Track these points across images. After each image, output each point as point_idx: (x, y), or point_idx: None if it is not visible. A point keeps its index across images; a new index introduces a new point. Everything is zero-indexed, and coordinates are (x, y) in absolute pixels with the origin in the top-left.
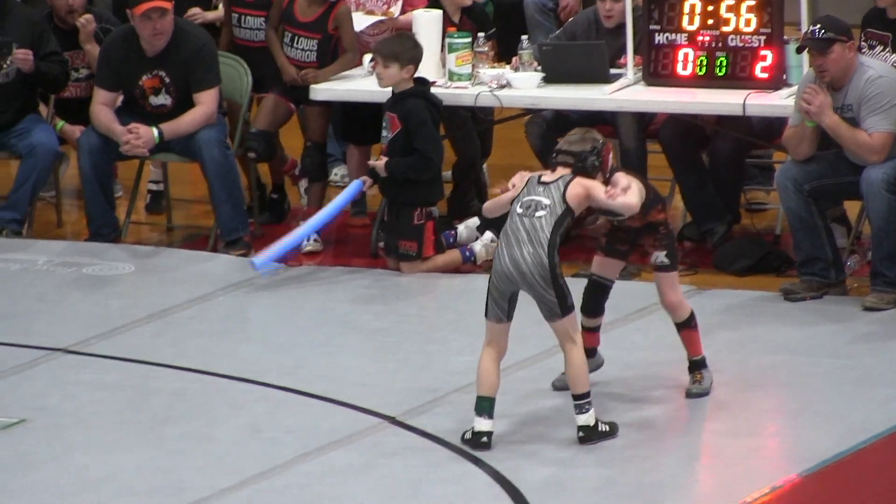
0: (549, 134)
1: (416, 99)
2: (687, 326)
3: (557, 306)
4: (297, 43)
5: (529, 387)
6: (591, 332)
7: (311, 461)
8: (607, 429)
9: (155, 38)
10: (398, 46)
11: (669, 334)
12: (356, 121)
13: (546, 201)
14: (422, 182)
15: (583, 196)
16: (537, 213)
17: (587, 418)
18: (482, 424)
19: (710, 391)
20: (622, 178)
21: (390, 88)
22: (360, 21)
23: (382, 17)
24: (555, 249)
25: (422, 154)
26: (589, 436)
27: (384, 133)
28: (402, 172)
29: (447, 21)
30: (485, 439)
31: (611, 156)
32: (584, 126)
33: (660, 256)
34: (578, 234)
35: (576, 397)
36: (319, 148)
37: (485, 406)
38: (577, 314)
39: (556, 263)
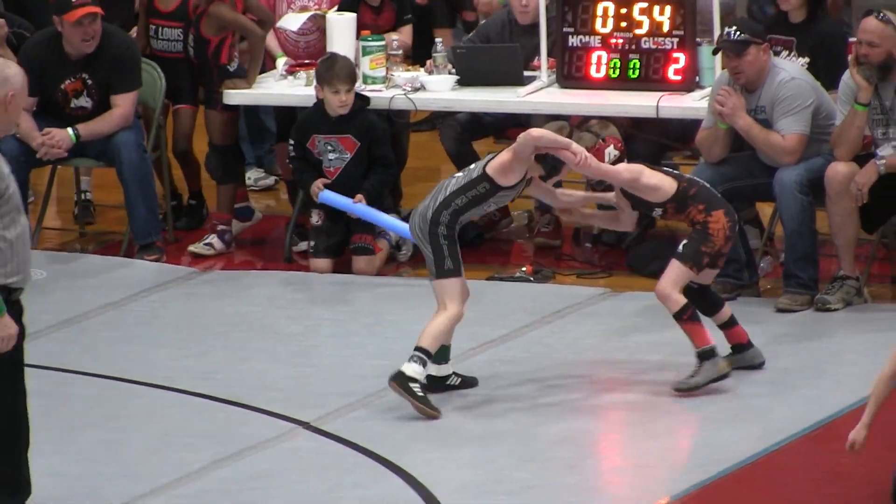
0: (463, 137)
1: (365, 112)
2: (679, 320)
3: (433, 264)
4: (162, 34)
5: (445, 392)
6: (727, 329)
7: (226, 467)
8: (419, 394)
9: (85, 44)
10: (350, 68)
11: (586, 336)
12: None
13: (472, 167)
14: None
15: (507, 161)
16: (455, 175)
17: (412, 369)
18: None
19: (703, 385)
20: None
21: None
22: (295, 20)
23: (316, 12)
24: (447, 210)
25: (387, 163)
26: (399, 382)
27: (331, 157)
28: (379, 191)
29: (363, 7)
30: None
31: (610, 148)
32: (497, 129)
33: (681, 244)
34: (493, 236)
35: (417, 348)
36: (223, 150)
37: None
38: (458, 284)
39: (441, 222)
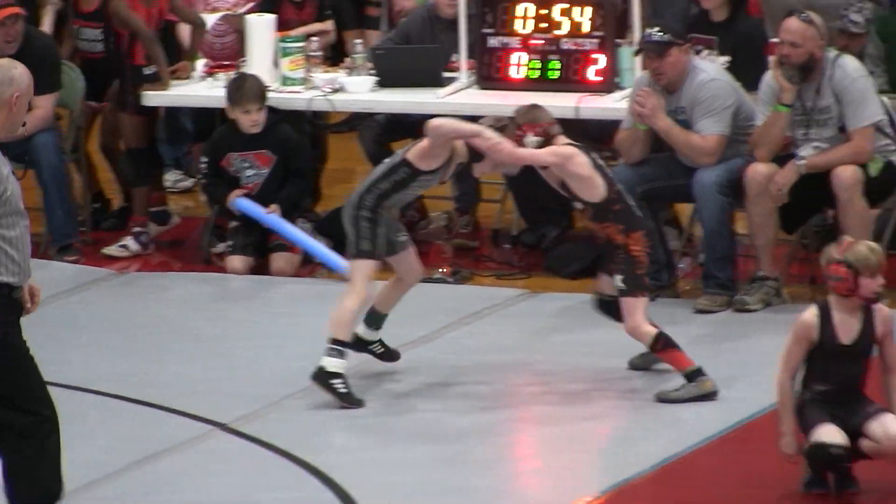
0: (381, 139)
1: (279, 126)
2: (655, 351)
3: (352, 245)
4: (83, 34)
5: (362, 392)
6: None
7: (144, 468)
8: (342, 389)
9: (7, 46)
10: (260, 87)
11: (505, 337)
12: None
13: (397, 152)
14: None
15: (425, 147)
16: (384, 162)
17: (331, 363)
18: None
19: (683, 401)
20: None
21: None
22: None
23: (227, 13)
24: (370, 195)
25: (303, 174)
26: (321, 380)
27: (249, 173)
28: (294, 201)
29: (285, 3)
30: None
31: (528, 136)
32: (416, 130)
33: (616, 280)
34: (412, 238)
35: (330, 340)
36: (136, 153)
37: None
38: (370, 267)
39: (364, 206)
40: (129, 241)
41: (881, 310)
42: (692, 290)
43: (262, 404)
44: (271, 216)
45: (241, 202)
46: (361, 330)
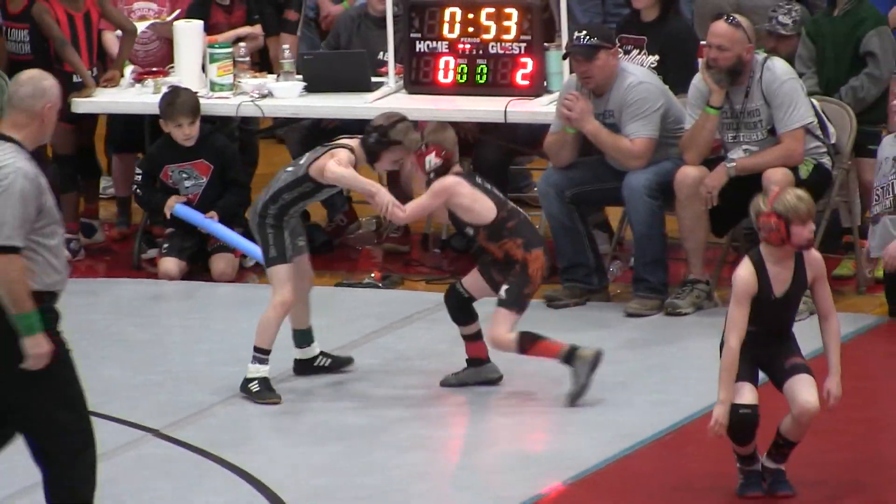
0: (307, 141)
1: (214, 136)
2: (525, 351)
3: (264, 254)
4: (10, 35)
5: (294, 398)
6: (470, 342)
7: None
8: (255, 388)
9: None
10: (193, 101)
11: (435, 342)
12: (119, 129)
13: (301, 161)
14: None
15: (322, 167)
16: (287, 168)
17: (251, 369)
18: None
19: (587, 382)
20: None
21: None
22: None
23: (155, 21)
24: (275, 204)
25: (240, 184)
26: (246, 388)
27: (188, 184)
28: (233, 210)
29: (215, 7)
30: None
31: (431, 157)
32: (343, 132)
33: (502, 289)
34: (341, 242)
35: (255, 348)
36: (63, 160)
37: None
38: (284, 270)
39: (269, 214)
40: None
41: (811, 254)
42: (623, 294)
43: (194, 410)
44: (210, 221)
45: (181, 208)
46: (297, 353)
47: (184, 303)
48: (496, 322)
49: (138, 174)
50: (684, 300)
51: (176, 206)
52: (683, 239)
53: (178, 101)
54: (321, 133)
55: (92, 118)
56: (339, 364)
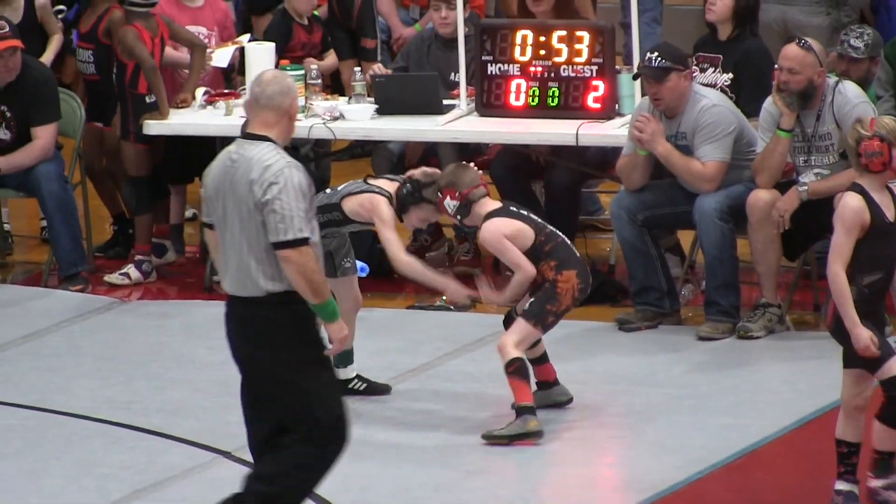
0: (397, 169)
1: (323, 161)
2: (506, 372)
3: None
4: (80, 55)
5: (364, 419)
6: (537, 366)
7: (146, 497)
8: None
9: (5, 76)
10: None
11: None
12: (175, 159)
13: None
14: None
15: (358, 207)
16: (326, 191)
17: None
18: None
19: (509, 438)
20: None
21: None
22: (220, 56)
23: (235, 45)
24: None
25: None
26: None
27: None
28: None
29: (297, 27)
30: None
31: (447, 201)
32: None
33: (527, 300)
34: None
35: None
36: (137, 182)
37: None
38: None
39: None
40: (131, 270)
41: None
42: (695, 317)
43: None
44: None
45: None
46: (340, 373)
47: None
48: (513, 332)
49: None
50: (756, 323)
51: None
52: (755, 262)
53: None
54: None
55: (160, 139)
56: (374, 390)
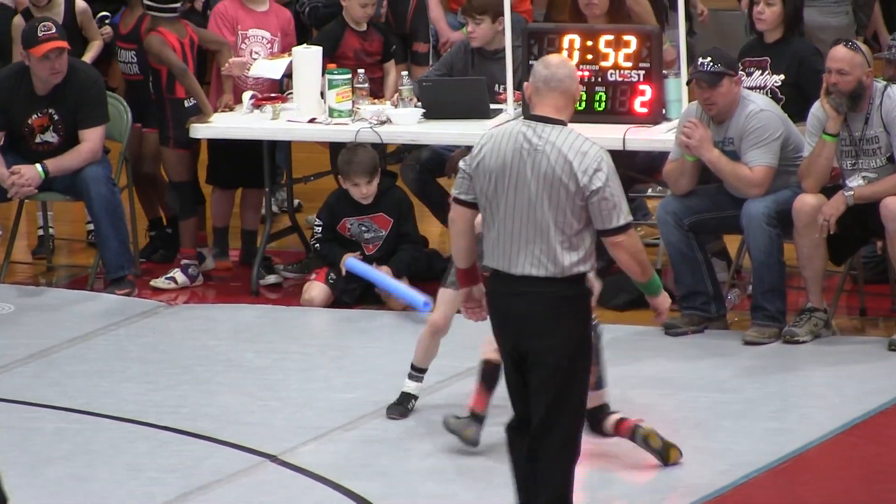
0: (423, 177)
1: (393, 189)
2: (478, 371)
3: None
4: (121, 56)
5: (416, 425)
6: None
7: (193, 500)
8: (388, 408)
9: (52, 77)
10: (370, 160)
11: None
12: (221, 163)
13: None
14: None
15: None
16: None
17: (405, 384)
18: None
19: (448, 430)
20: None
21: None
22: (273, 68)
23: (287, 58)
24: None
25: (413, 239)
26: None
27: (367, 236)
28: (408, 266)
29: (349, 33)
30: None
31: None
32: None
33: None
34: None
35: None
36: (179, 187)
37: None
38: (443, 295)
39: None
40: (177, 274)
41: None
42: (741, 322)
43: (311, 435)
44: (382, 276)
45: (351, 264)
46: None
47: (301, 329)
48: None
49: (318, 225)
50: (802, 328)
51: (348, 262)
52: (801, 267)
53: (356, 160)
54: (438, 166)
55: (197, 145)
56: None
